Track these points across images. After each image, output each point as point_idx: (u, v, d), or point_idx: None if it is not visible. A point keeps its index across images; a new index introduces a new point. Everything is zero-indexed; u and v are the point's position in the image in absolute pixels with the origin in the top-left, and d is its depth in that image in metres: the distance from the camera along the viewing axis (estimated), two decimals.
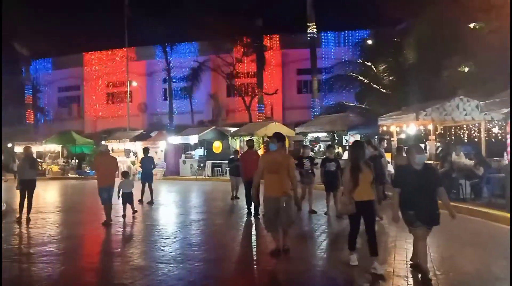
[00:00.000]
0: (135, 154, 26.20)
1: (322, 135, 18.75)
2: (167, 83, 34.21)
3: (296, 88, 34.91)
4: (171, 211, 11.47)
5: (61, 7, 37.29)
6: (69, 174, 27.73)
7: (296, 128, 19.73)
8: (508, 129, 9.92)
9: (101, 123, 38.81)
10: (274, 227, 6.01)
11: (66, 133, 29.75)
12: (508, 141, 10.64)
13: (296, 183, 6.21)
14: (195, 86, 32.83)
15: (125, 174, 11.49)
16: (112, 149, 27.63)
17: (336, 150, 16.30)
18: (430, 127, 12.09)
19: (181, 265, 5.79)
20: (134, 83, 34.24)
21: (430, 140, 12.00)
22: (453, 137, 14.10)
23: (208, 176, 23.13)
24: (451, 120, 12.16)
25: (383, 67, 18.45)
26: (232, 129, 24.82)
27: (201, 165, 23.43)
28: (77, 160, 28.91)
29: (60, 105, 41.22)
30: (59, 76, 40.78)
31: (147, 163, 13.11)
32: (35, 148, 29.07)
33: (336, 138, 17.71)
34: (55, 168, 28.28)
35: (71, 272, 5.77)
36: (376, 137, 17.99)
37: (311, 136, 19.18)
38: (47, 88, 41.45)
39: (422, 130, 13.58)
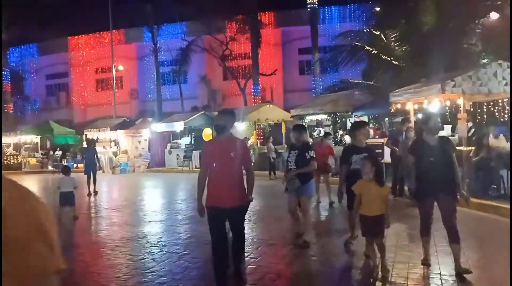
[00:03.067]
0: (117, 144, 23.64)
1: (323, 117, 15.89)
2: (159, 67, 31.46)
3: (297, 69, 31.94)
4: (122, 218, 8.82)
5: None
6: (49, 167, 25.27)
7: (291, 110, 16.86)
8: None
9: (91, 112, 36.47)
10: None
11: (44, 122, 27.24)
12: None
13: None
14: (185, 69, 30.05)
15: (65, 170, 9.22)
16: (97, 139, 25.23)
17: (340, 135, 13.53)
18: (460, 101, 9.23)
19: None
20: (121, 67, 31.56)
21: (460, 119, 9.15)
22: (485, 116, 11.23)
23: (196, 168, 20.48)
24: (487, 92, 9.28)
25: (395, 35, 15.46)
26: None
27: (188, 155, 20.79)
28: (61, 152, 26.51)
29: (48, 93, 38.93)
30: (45, 63, 38.30)
31: (89, 153, 12.85)
32: (10, 139, 26.74)
33: (338, 121, 14.87)
34: (33, 161, 25.84)
35: None
36: (386, 118, 15.17)
37: (309, 119, 16.29)
38: (34, 75, 39.02)
39: (447, 108, 10.71)
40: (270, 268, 5.11)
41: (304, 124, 16.78)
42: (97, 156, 13.21)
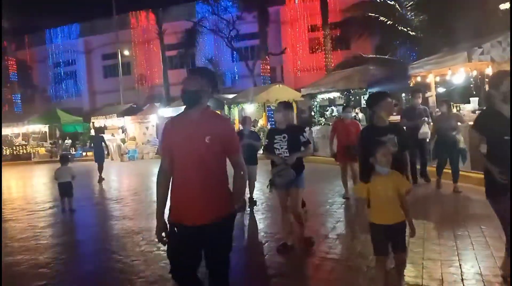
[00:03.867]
0: (125, 130, 23.12)
1: (335, 95, 14.92)
2: (165, 50, 30.66)
3: (308, 47, 30.77)
4: (121, 210, 8.24)
5: None
6: (59, 157, 24.96)
7: (302, 89, 15.94)
8: None
9: (100, 99, 36.13)
10: None
11: (51, 111, 26.87)
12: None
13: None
14: (191, 51, 29.22)
15: (63, 159, 8.74)
16: (105, 126, 24.81)
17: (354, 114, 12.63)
18: (489, 71, 8.27)
19: None
20: (126, 53, 30.90)
21: None
22: None
23: None
24: None
25: (411, 3, 14.34)
26: (231, 96, 21.34)
27: None
28: (70, 141, 26.26)
29: (56, 82, 38.66)
30: (52, 51, 37.98)
31: (97, 141, 13.08)
32: (18, 130, 26.50)
33: (352, 98, 13.94)
34: (42, 150, 25.59)
35: None
36: (403, 93, 14.27)
37: (321, 97, 15.37)
38: (41, 64, 38.72)
39: (472, 79, 9.75)
40: (278, 268, 4.42)
41: (315, 103, 15.91)
42: (105, 143, 13.36)
